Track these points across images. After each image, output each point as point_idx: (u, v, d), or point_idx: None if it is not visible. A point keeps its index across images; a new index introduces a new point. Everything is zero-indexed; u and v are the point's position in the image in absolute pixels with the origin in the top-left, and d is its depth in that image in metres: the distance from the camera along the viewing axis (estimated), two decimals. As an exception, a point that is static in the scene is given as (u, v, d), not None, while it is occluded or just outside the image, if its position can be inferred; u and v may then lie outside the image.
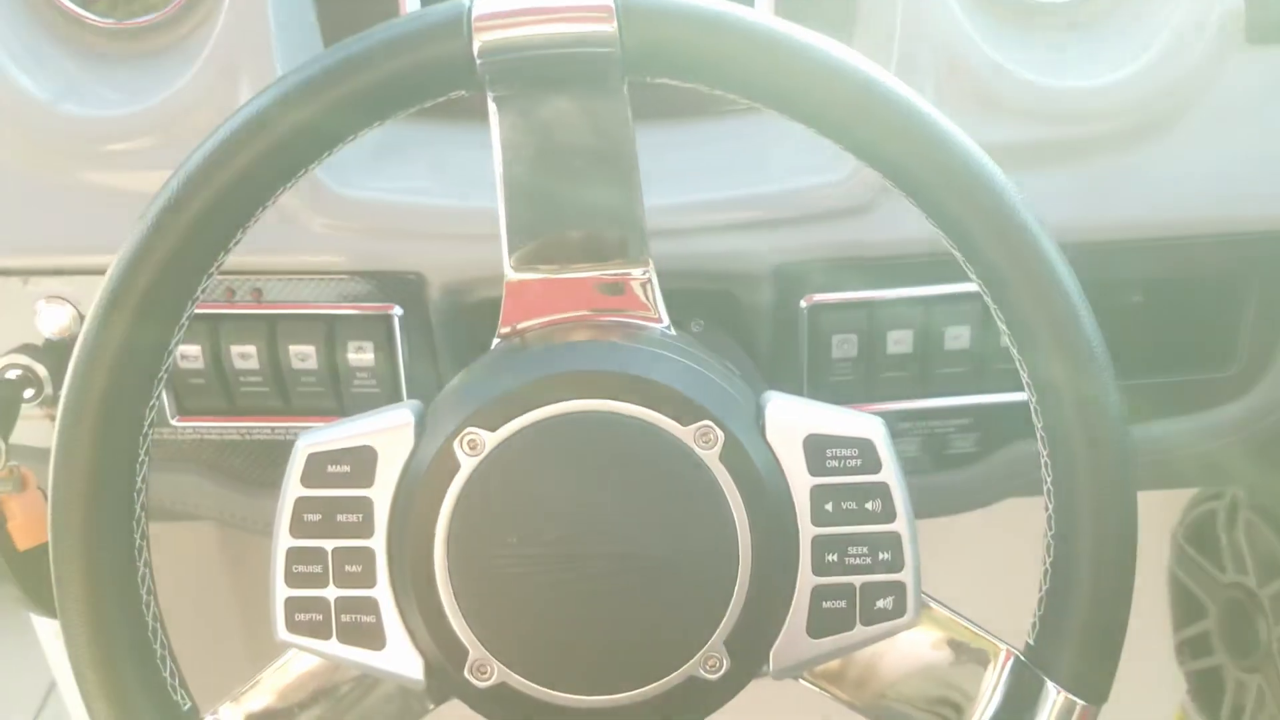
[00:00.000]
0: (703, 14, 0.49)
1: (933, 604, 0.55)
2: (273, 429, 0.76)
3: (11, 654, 0.98)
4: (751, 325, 0.75)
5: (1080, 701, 0.52)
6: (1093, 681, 0.52)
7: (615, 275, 0.55)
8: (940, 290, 0.74)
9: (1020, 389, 0.76)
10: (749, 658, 0.51)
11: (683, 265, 0.72)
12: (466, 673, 0.50)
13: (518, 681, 0.50)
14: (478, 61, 0.49)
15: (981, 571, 0.93)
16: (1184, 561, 1.10)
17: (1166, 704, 1.19)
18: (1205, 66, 0.72)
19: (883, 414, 0.77)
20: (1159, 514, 1.14)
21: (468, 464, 0.50)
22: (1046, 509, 0.53)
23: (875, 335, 0.74)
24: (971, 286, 0.72)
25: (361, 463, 0.51)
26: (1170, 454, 0.80)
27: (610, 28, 0.49)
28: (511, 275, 0.55)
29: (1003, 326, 0.52)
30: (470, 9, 0.49)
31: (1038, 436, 0.53)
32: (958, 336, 0.75)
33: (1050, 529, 0.53)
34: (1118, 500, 0.51)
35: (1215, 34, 0.72)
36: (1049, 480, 0.53)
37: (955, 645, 0.55)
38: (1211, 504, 1.05)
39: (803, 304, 0.74)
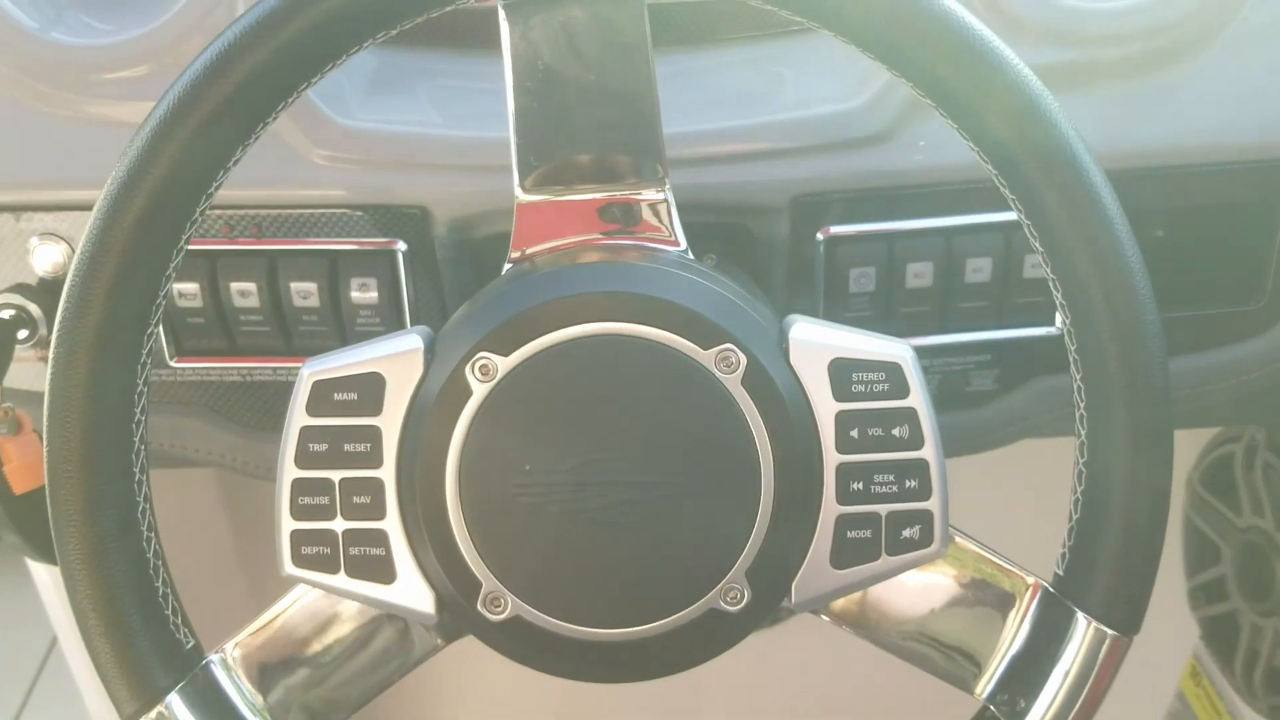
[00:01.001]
0: None
1: (958, 536, 0.53)
2: (274, 370, 0.74)
3: (12, 607, 0.96)
4: (766, 258, 0.73)
5: (1111, 632, 0.50)
6: (1125, 612, 0.51)
7: (630, 196, 0.53)
8: (961, 221, 0.72)
9: (1041, 324, 0.75)
10: (770, 589, 0.50)
11: (695, 196, 0.69)
12: (479, 606, 0.49)
13: (532, 614, 0.49)
14: None
15: (1002, 511, 0.91)
16: (1199, 505, 1.09)
17: (1180, 649, 1.18)
18: None
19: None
20: (1175, 458, 1.13)
21: (480, 390, 0.48)
22: (1078, 435, 0.52)
23: (894, 268, 0.72)
24: (994, 216, 0.72)
25: (369, 390, 0.49)
26: (1193, 390, 0.78)
27: None
28: (522, 197, 0.53)
29: (1039, 248, 0.50)
30: None
31: (1070, 360, 0.51)
32: (979, 269, 0.72)
33: (1082, 456, 0.51)
34: (1156, 425, 0.49)
35: None
36: (1082, 405, 0.51)
37: (981, 577, 0.54)
38: (1229, 446, 1.04)
39: (819, 236, 0.72)
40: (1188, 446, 1.10)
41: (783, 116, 0.70)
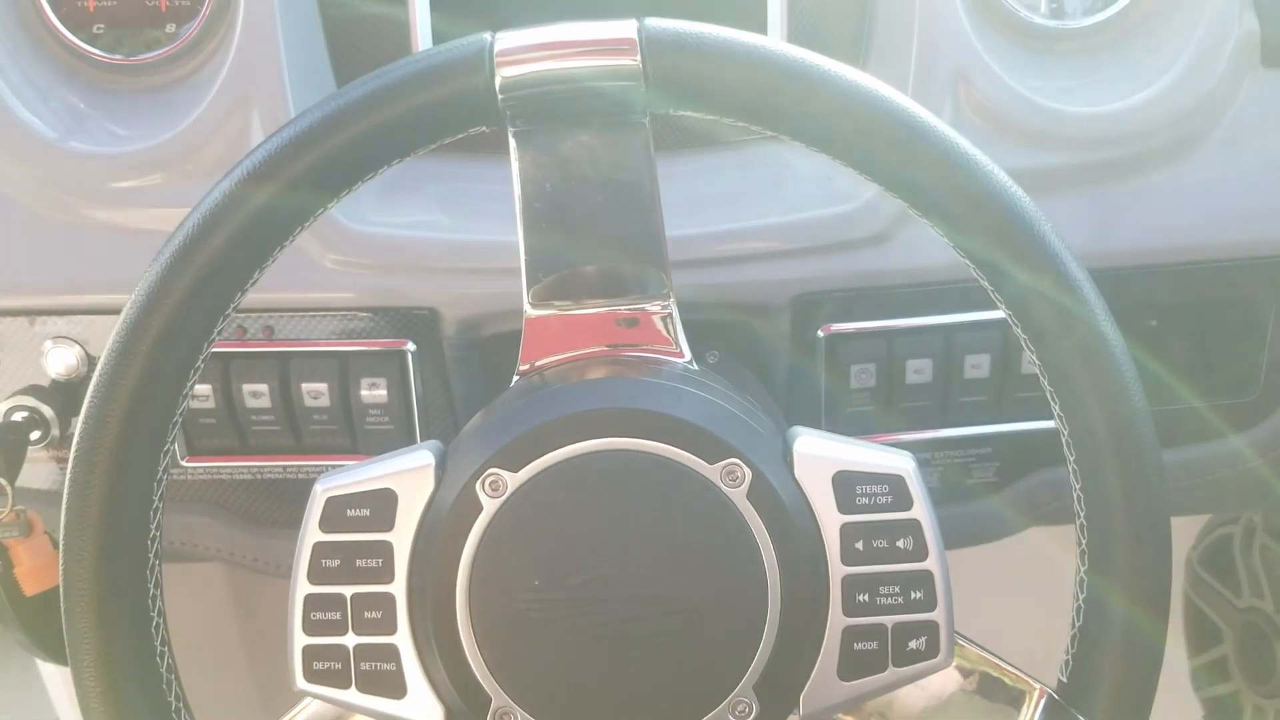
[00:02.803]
0: (728, 46, 0.48)
1: (964, 643, 0.54)
2: (284, 468, 0.75)
3: (17, 700, 0.96)
4: (769, 355, 0.75)
5: None
6: (1129, 718, 0.51)
7: (635, 310, 0.54)
8: (959, 319, 0.73)
9: (1040, 418, 0.77)
10: (779, 702, 0.50)
11: (699, 295, 0.71)
12: None
13: None
14: (499, 97, 0.49)
15: (1005, 601, 0.92)
16: (1199, 586, 1.09)
17: (1183, 730, 1.18)
18: (1221, 91, 0.72)
19: (902, 444, 0.76)
20: (1174, 538, 1.13)
21: (490, 505, 0.49)
22: (1079, 544, 0.52)
23: (894, 365, 0.74)
24: (991, 314, 0.73)
25: (381, 506, 0.50)
26: (1188, 481, 0.80)
27: (634, 61, 0.48)
28: (530, 311, 0.54)
29: (1035, 361, 0.51)
30: (492, 44, 0.48)
31: (1070, 470, 0.52)
32: (977, 365, 0.74)
33: (1083, 565, 0.52)
34: (1153, 540, 0.50)
35: (1231, 58, 0.72)
36: (1082, 515, 0.52)
37: (988, 684, 0.54)
38: (1228, 528, 1.04)
39: (820, 334, 0.73)
40: (1186, 526, 1.11)
41: (783, 219, 0.71)
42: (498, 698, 0.49)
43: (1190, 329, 0.78)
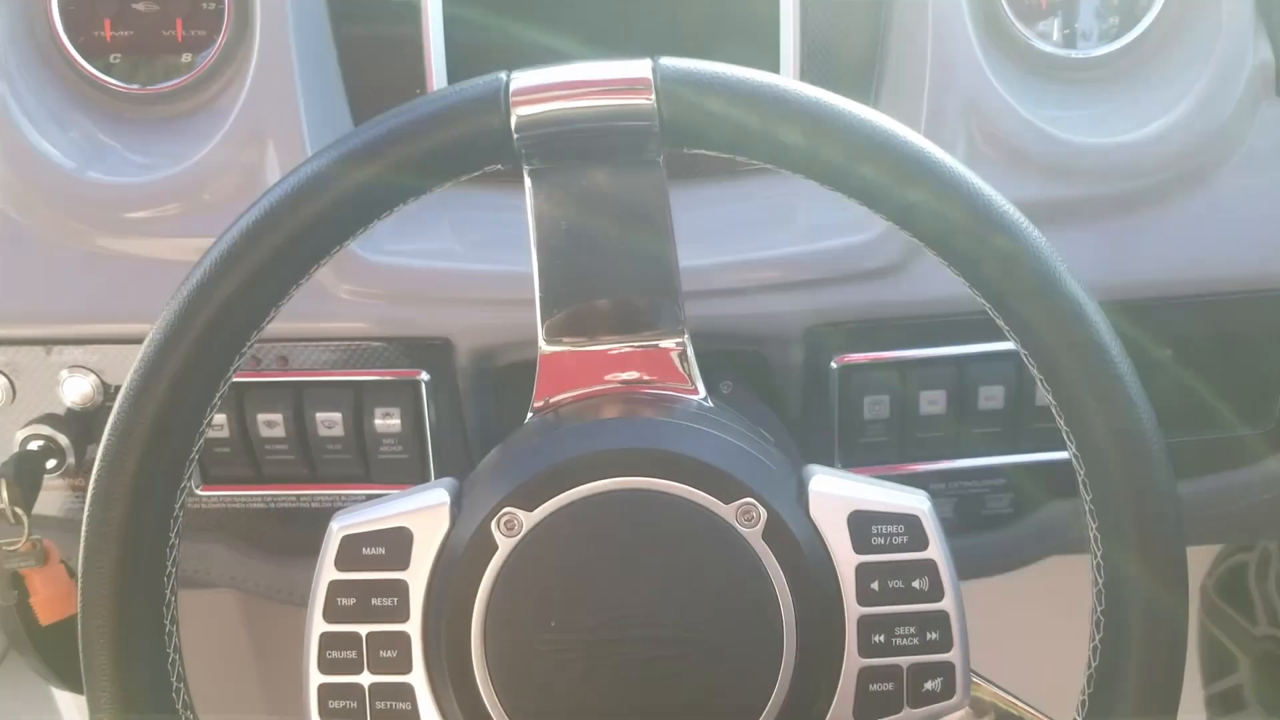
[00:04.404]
0: (742, 86, 0.48)
1: (981, 682, 0.54)
2: (298, 497, 0.75)
3: (33, 720, 0.97)
4: (782, 386, 0.75)
5: None
6: None
7: (650, 346, 0.54)
8: (973, 349, 0.73)
9: (1054, 448, 0.76)
10: None
11: (712, 326, 0.71)
12: None
13: None
14: (515, 136, 0.49)
15: (1020, 633, 0.91)
16: (1214, 614, 1.09)
17: (1199, 759, 1.17)
18: (1236, 121, 0.72)
19: (916, 475, 0.76)
20: (1189, 565, 1.13)
21: (505, 545, 0.49)
22: (1095, 584, 0.52)
23: (908, 396, 0.73)
24: (1005, 345, 0.72)
25: (397, 544, 0.50)
26: (1204, 511, 0.79)
27: (649, 101, 0.48)
28: (545, 348, 0.54)
29: (1050, 398, 0.51)
30: (508, 83, 0.49)
31: (1086, 509, 0.52)
32: (991, 396, 0.74)
33: (1100, 604, 0.52)
34: (1169, 581, 0.50)
35: (1245, 88, 0.71)
36: (1098, 555, 0.52)
37: (1002, 725, 0.54)
38: (1243, 556, 1.04)
39: (834, 364, 0.73)
40: (1201, 553, 1.10)
41: (796, 249, 0.71)
42: None
43: (1205, 360, 0.77)
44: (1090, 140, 0.71)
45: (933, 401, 0.74)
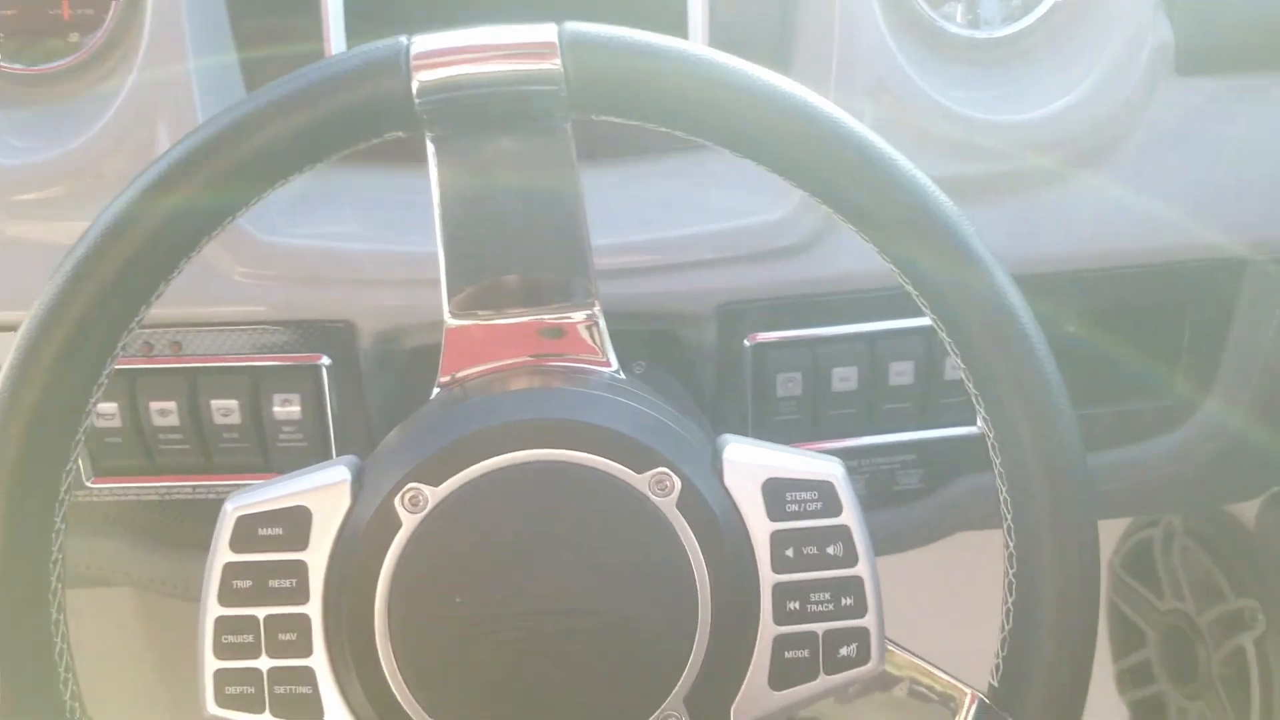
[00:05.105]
0: (651, 50, 0.48)
1: (895, 649, 0.53)
2: (194, 488, 0.72)
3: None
4: (695, 365, 0.74)
5: None
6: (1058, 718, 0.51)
7: (560, 319, 0.53)
8: (884, 326, 0.73)
9: (963, 423, 0.77)
10: (709, 714, 0.49)
11: (624, 306, 0.70)
12: None
13: None
14: (417, 101, 0.47)
15: (933, 608, 0.92)
16: (1122, 590, 1.11)
17: (1110, 734, 1.19)
18: (1136, 98, 0.73)
19: (828, 452, 0.76)
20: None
21: (409, 521, 0.47)
22: (1007, 547, 0.52)
23: (820, 373, 0.73)
24: (915, 321, 0.73)
25: (295, 524, 0.48)
26: (1113, 484, 0.80)
27: (554, 65, 0.47)
28: (451, 321, 0.53)
29: (960, 365, 0.51)
30: (409, 46, 0.47)
31: (996, 474, 0.52)
32: (902, 372, 0.74)
33: (1011, 568, 0.52)
34: (1080, 541, 0.50)
35: (1146, 67, 0.73)
36: (1009, 518, 0.52)
37: (919, 690, 0.54)
38: (1148, 531, 1.06)
39: (746, 343, 0.73)
40: (1108, 530, 1.13)
41: (708, 228, 0.71)
42: (419, 719, 0.47)
43: (1112, 333, 0.79)
44: (995, 118, 0.72)
45: (844, 378, 0.74)
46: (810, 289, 0.72)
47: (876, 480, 0.78)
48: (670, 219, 0.72)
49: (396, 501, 0.47)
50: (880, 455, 0.77)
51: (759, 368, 0.73)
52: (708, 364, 0.74)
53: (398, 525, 0.47)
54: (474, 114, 0.49)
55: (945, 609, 0.96)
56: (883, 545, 0.80)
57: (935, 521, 0.80)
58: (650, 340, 0.73)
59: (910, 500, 0.79)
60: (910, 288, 0.51)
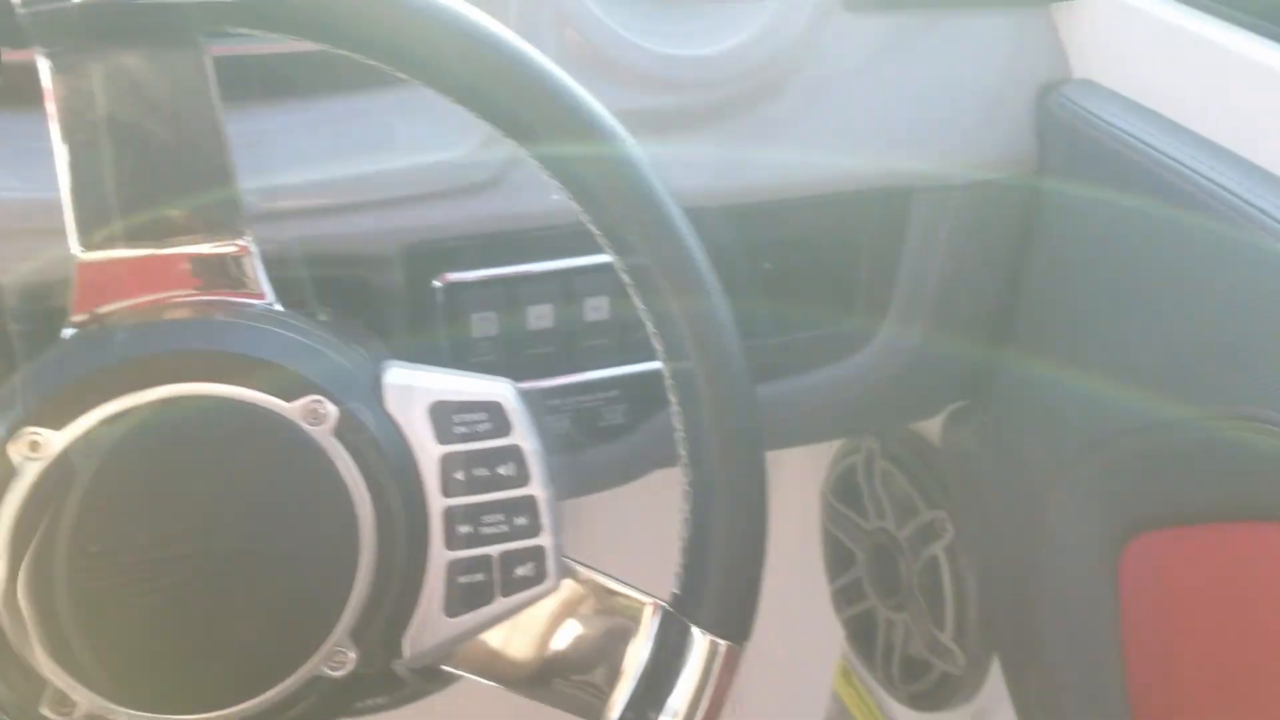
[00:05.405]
0: None
1: (578, 567, 0.54)
2: None
3: None
4: (385, 310, 0.72)
5: (724, 642, 0.52)
6: (734, 621, 0.53)
7: (205, 250, 0.50)
8: (577, 262, 0.74)
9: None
10: (379, 648, 0.48)
11: (305, 250, 0.67)
12: (47, 710, 0.44)
13: (112, 711, 0.44)
14: (19, 10, 0.43)
15: (641, 542, 0.94)
16: (833, 515, 1.17)
17: (831, 652, 1.26)
18: (808, 35, 0.76)
19: (531, 392, 0.76)
20: (811, 476, 1.21)
21: (30, 470, 0.43)
22: (681, 457, 0.54)
23: (515, 312, 0.73)
24: (607, 257, 0.74)
25: None
26: (802, 407, 0.84)
27: None
28: (82, 256, 0.48)
29: (638, 302, 0.52)
30: None
31: (666, 386, 0.53)
32: (597, 308, 0.75)
33: (687, 477, 0.53)
34: (745, 443, 0.52)
35: (816, 3, 0.76)
36: (680, 429, 0.53)
37: (604, 606, 0.54)
38: (851, 458, 1.12)
39: (437, 284, 0.72)
40: (817, 462, 1.18)
41: (389, 166, 0.69)
42: (58, 679, 0.44)
43: (798, 265, 0.82)
44: (675, 52, 0.73)
45: (540, 316, 0.74)
46: (500, 226, 0.72)
47: (581, 418, 0.79)
48: (352, 157, 0.69)
49: (12, 449, 0.43)
50: (583, 393, 0.78)
51: (452, 309, 0.72)
52: (399, 308, 0.72)
53: (12, 474, 0.43)
54: (89, 26, 0.45)
55: (661, 543, 0.98)
56: (590, 484, 0.82)
57: (641, 457, 0.81)
58: (336, 286, 0.70)
59: (617, 436, 0.80)
60: (592, 227, 0.51)
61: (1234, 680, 0.71)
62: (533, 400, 0.74)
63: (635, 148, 0.50)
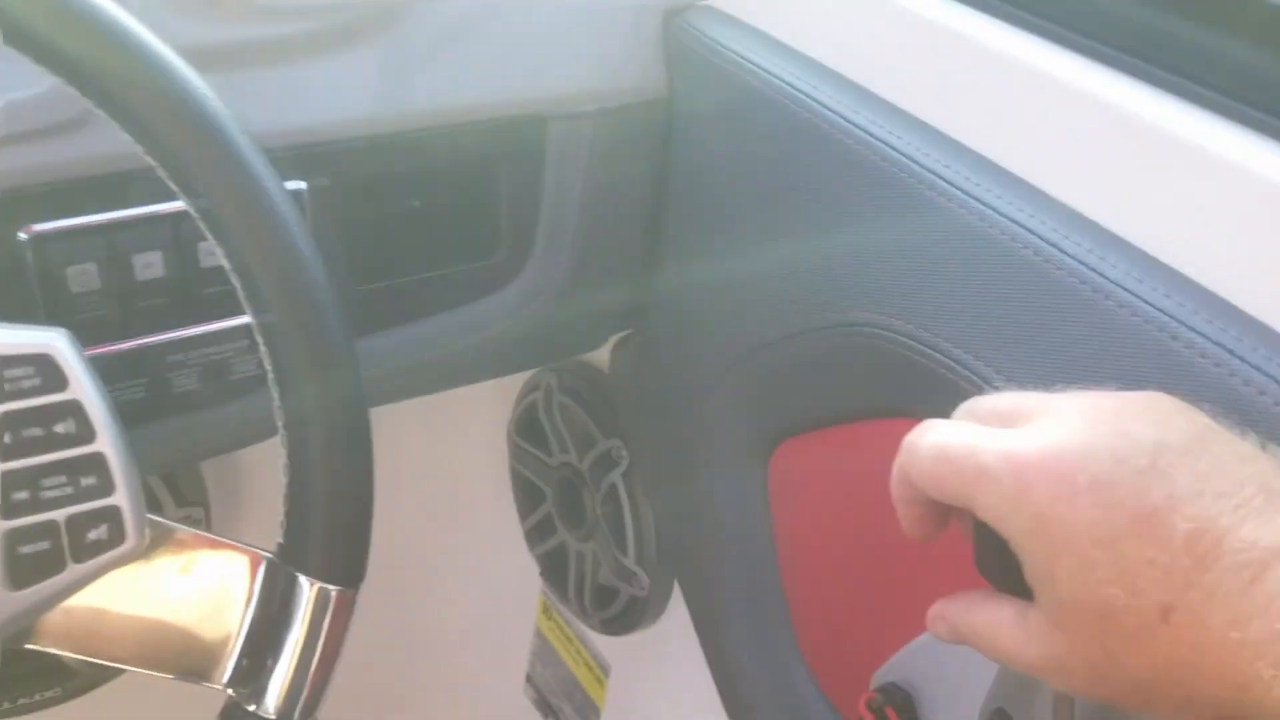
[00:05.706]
0: None
1: (173, 525, 0.50)
2: None
3: None
4: None
5: (334, 588, 0.51)
6: (342, 567, 0.51)
7: None
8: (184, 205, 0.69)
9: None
10: None
11: None
12: None
13: None
14: None
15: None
16: (520, 454, 1.17)
17: (532, 590, 1.27)
18: None
19: (150, 348, 0.71)
20: (498, 418, 1.20)
21: None
22: (274, 399, 0.51)
23: (120, 262, 0.68)
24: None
25: None
26: (456, 345, 0.83)
27: None
28: None
29: (222, 259, 0.49)
30: None
31: (253, 328, 0.50)
32: (213, 253, 0.70)
33: (280, 420, 0.51)
34: (338, 381, 0.50)
35: None
36: (271, 372, 0.51)
37: (207, 564, 0.51)
38: (532, 395, 1.12)
39: (22, 235, 0.65)
40: (502, 403, 1.18)
41: None
42: None
43: (444, 200, 0.81)
44: None
45: (149, 265, 0.68)
46: (90, 170, 0.66)
47: (212, 371, 0.74)
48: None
49: None
50: (212, 345, 0.73)
51: (44, 263, 0.66)
52: None
53: None
54: None
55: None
56: (228, 442, 0.78)
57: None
58: None
59: (254, 389, 0.76)
60: (162, 174, 0.48)
61: (868, 568, 0.76)
62: (153, 354, 0.70)
63: (193, 82, 0.47)
